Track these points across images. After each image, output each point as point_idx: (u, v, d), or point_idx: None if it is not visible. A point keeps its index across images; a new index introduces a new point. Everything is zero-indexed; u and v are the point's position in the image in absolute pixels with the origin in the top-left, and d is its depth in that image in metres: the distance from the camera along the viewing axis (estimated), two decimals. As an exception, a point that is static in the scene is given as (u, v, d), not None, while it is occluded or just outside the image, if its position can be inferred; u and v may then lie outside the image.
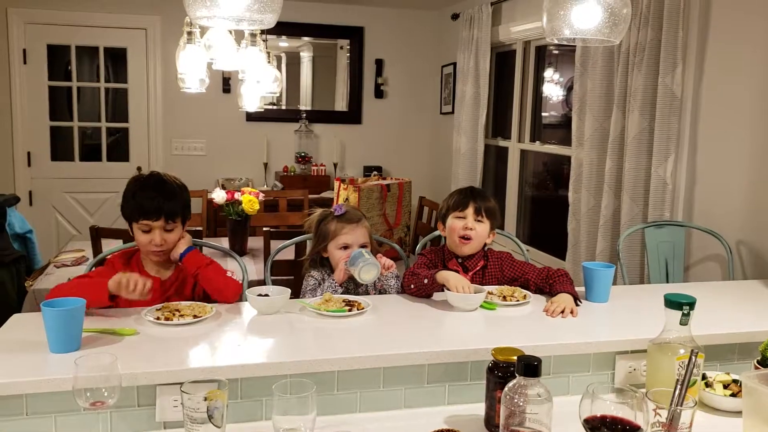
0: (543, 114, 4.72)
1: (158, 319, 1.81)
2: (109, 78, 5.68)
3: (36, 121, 5.51)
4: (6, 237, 3.72)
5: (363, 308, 1.96)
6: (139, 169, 5.70)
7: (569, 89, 4.53)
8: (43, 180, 5.59)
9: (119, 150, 5.77)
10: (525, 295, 2.11)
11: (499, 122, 5.08)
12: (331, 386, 1.63)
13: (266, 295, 1.97)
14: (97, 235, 3.23)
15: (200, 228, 3.27)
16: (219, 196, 3.76)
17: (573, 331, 1.87)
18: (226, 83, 5.59)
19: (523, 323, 1.94)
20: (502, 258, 2.35)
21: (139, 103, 5.68)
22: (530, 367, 1.30)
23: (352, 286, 2.26)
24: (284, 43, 6.03)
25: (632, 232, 3.01)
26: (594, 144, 3.48)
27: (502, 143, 4.94)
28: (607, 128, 3.39)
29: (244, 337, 1.78)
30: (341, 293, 2.18)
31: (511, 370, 1.49)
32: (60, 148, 5.65)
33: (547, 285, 2.19)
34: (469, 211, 2.31)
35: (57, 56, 5.53)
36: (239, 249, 3.78)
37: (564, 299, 2.03)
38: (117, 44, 5.60)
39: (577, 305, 2.04)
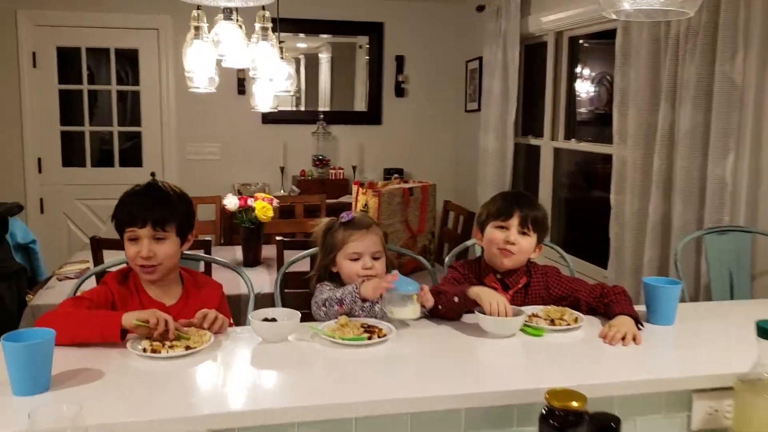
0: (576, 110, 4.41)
1: (145, 350, 1.54)
2: (121, 80, 5.47)
3: (46, 126, 5.31)
4: (7, 248, 3.50)
5: (384, 335, 1.67)
6: (152, 174, 5.47)
7: (600, 82, 4.23)
8: (54, 186, 5.39)
9: (132, 155, 5.55)
10: (576, 318, 1.81)
11: (529, 119, 4.78)
12: (347, 436, 1.35)
13: (273, 319, 1.70)
14: (99, 246, 2.98)
15: (210, 238, 3.00)
16: (231, 202, 3.51)
17: (638, 364, 1.56)
18: (241, 84, 5.35)
19: (576, 353, 1.64)
20: (548, 273, 2.04)
21: (152, 106, 5.45)
22: (606, 430, 1.01)
23: (367, 304, 1.93)
24: (302, 44, 5.81)
25: (690, 240, 2.68)
26: (639, 141, 3.16)
27: (533, 141, 4.63)
28: (654, 123, 3.07)
29: (243, 374, 1.50)
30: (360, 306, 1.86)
31: (570, 419, 1.20)
32: (71, 154, 5.44)
33: (601, 305, 1.89)
34: (514, 221, 1.98)
35: (67, 59, 5.33)
36: (253, 258, 3.53)
37: (624, 322, 1.73)
38: (128, 45, 5.39)
39: (638, 328, 1.74)
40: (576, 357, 1.61)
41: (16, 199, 4.75)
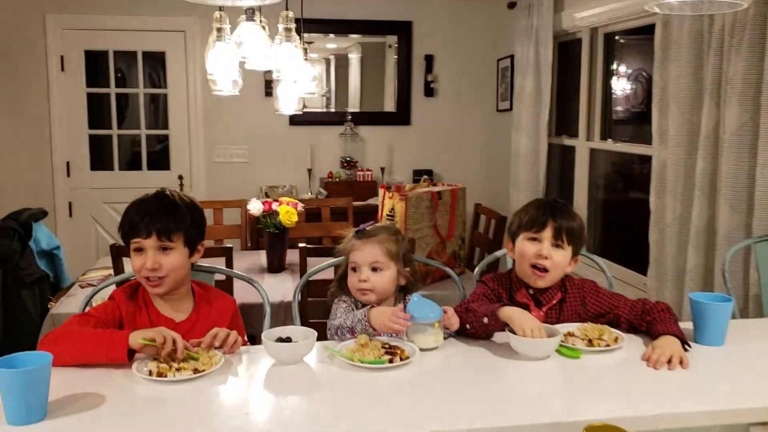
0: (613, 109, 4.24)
1: (150, 373, 1.44)
2: (153, 83, 5.43)
3: (74, 129, 5.29)
4: (30, 255, 3.46)
5: (407, 357, 1.55)
6: (180, 177, 5.43)
7: (637, 79, 4.05)
8: (82, 190, 5.37)
9: (160, 158, 5.51)
10: (616, 338, 1.67)
11: (563, 118, 4.61)
12: (365, 473, 1.23)
13: (288, 338, 1.59)
14: (118, 254, 2.91)
15: (230, 245, 2.91)
16: (255, 207, 3.42)
17: (687, 392, 1.42)
18: (268, 86, 5.26)
19: (617, 378, 1.50)
20: (585, 288, 1.89)
21: (180, 109, 5.41)
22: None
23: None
24: (332, 44, 5.71)
25: (740, 249, 2.50)
26: (681, 141, 2.98)
27: (567, 142, 4.46)
28: (697, 123, 2.89)
29: (253, 401, 1.39)
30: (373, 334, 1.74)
31: None
32: (99, 158, 5.42)
33: (643, 323, 1.74)
34: (547, 233, 1.82)
35: (95, 62, 5.30)
36: (277, 264, 3.44)
37: (669, 344, 1.58)
38: (155, 48, 5.35)
39: (685, 350, 1.59)
40: (617, 383, 1.47)
41: (45, 203, 4.74)
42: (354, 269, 1.86)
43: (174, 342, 1.50)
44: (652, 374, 1.50)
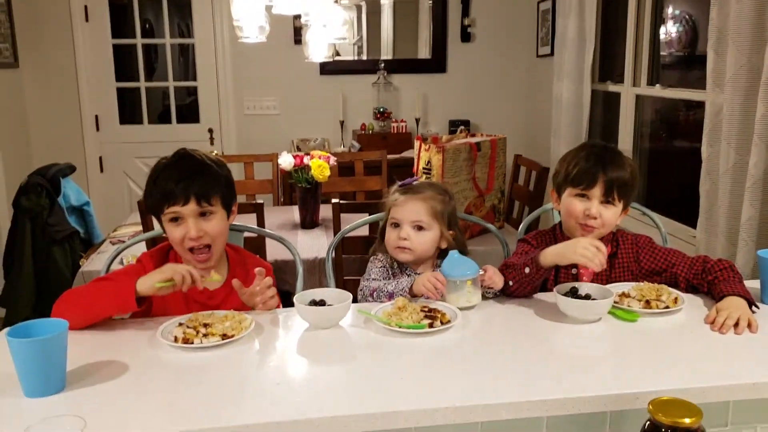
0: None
1: (176, 340, 1.36)
2: (177, 34, 5.30)
3: (102, 82, 5.21)
4: (60, 211, 3.41)
5: (448, 321, 1.44)
6: (210, 131, 5.34)
7: (684, 21, 3.80)
8: (112, 145, 5.32)
9: (190, 111, 5.42)
10: (676, 298, 1.53)
11: (607, 63, 4.37)
12: (405, 449, 1.14)
13: (321, 301, 1.49)
14: (147, 210, 2.83)
15: (261, 201, 2.81)
16: (286, 161, 3.30)
17: (757, 358, 1.29)
18: (297, 33, 5.09)
19: (678, 344, 1.37)
20: (639, 244, 1.74)
21: (207, 60, 5.27)
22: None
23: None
24: (363, -10, 5.49)
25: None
26: (738, 86, 2.76)
27: (612, 88, 4.24)
28: (758, 65, 2.67)
29: (285, 370, 1.29)
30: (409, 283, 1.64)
31: None
32: (129, 111, 5.35)
33: (704, 282, 1.60)
34: (596, 191, 1.66)
35: (120, 13, 5.18)
36: (310, 220, 3.34)
37: (735, 305, 1.44)
38: (180, -5, 5.21)
39: (752, 311, 1.45)
40: (679, 349, 1.34)
41: (75, 158, 4.70)
42: (395, 225, 1.74)
43: (191, 275, 1.45)
44: (717, 339, 1.37)
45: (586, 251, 1.48)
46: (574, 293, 1.51)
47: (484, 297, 1.61)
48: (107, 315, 1.48)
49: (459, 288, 1.54)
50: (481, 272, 1.57)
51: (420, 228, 1.73)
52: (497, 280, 1.59)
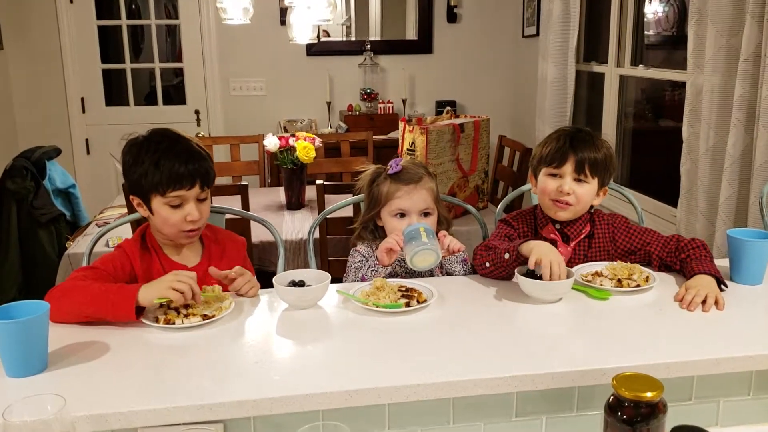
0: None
1: (157, 320, 1.38)
2: (164, 15, 5.26)
3: (87, 64, 5.18)
4: (45, 194, 3.42)
5: (424, 300, 1.47)
6: (197, 112, 5.34)
7: (668, 1, 3.81)
8: (98, 126, 5.30)
9: (176, 93, 5.40)
10: (647, 277, 1.57)
11: (592, 44, 4.39)
12: (380, 424, 1.17)
13: (300, 282, 1.52)
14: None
15: (245, 183, 2.83)
16: (271, 143, 3.32)
17: (722, 335, 1.33)
18: (283, 14, 5.06)
19: (647, 322, 1.41)
20: (615, 224, 1.78)
21: (193, 41, 5.25)
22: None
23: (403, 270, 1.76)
24: (352, -32, 5.46)
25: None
26: (718, 66, 2.79)
27: (596, 68, 4.26)
28: (736, 45, 2.70)
29: (263, 349, 1.32)
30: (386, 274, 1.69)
31: (641, 411, 1.01)
32: (115, 93, 5.33)
33: (677, 261, 1.64)
34: (567, 168, 1.70)
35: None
36: (296, 201, 3.36)
37: (704, 283, 1.48)
38: (166, -25, 5.17)
39: (721, 290, 1.49)
40: (647, 327, 1.38)
41: (62, 140, 4.69)
42: (401, 215, 1.77)
43: (191, 289, 1.40)
44: (685, 316, 1.41)
45: (553, 262, 1.48)
46: (531, 274, 1.53)
47: (454, 274, 1.70)
48: (103, 320, 1.40)
49: (414, 237, 1.59)
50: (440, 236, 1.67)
51: (427, 214, 1.77)
52: (456, 245, 1.68)
